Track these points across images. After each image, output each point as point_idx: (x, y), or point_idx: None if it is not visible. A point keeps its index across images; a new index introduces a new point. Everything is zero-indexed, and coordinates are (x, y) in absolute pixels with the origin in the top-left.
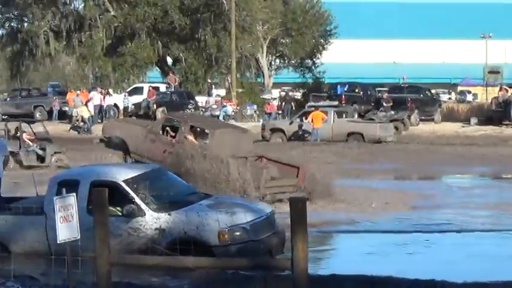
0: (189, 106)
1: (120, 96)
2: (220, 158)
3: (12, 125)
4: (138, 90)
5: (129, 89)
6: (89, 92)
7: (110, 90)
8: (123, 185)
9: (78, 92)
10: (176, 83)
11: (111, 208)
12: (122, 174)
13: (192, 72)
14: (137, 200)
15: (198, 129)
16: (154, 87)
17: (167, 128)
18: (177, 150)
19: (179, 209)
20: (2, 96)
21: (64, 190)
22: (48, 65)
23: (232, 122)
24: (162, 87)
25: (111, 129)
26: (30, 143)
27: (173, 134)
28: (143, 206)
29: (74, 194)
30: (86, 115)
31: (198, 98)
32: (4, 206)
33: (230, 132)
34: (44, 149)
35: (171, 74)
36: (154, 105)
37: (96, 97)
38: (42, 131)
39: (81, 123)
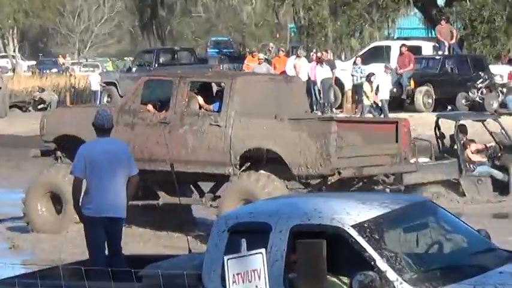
0: (478, 83)
1: (346, 65)
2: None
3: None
4: (378, 54)
5: (362, 52)
6: (287, 56)
7: (325, 53)
8: (354, 233)
9: (262, 55)
10: (453, 41)
11: (330, 278)
12: (352, 214)
13: (484, 18)
14: (380, 262)
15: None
16: (409, 48)
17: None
18: (175, 127)
19: (461, 280)
20: (123, 62)
21: (243, 243)
22: (211, 4)
23: None
24: (426, 48)
25: (56, 124)
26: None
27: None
28: (391, 273)
29: (263, 250)
30: None
31: (495, 67)
32: (129, 274)
33: (262, 81)
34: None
35: (443, 24)
36: (412, 82)
37: (301, 66)
38: (499, 132)
39: None
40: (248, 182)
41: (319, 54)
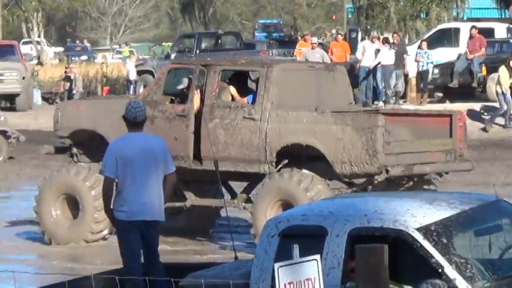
0: None
1: (410, 49)
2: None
3: None
4: (445, 37)
5: (427, 35)
6: (345, 40)
7: (396, 36)
8: (419, 237)
9: (315, 39)
10: None
11: (392, 287)
12: (416, 216)
13: None
14: (448, 269)
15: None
16: (480, 30)
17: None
18: (204, 121)
19: None
20: (161, 48)
21: (295, 248)
22: None
23: None
24: (500, 31)
25: (71, 118)
26: None
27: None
28: (461, 282)
29: (317, 256)
30: None
31: None
32: (169, 283)
33: (301, 70)
34: None
35: None
36: (483, 69)
37: (365, 50)
38: None
39: None
40: (289, 182)
41: (385, 37)
